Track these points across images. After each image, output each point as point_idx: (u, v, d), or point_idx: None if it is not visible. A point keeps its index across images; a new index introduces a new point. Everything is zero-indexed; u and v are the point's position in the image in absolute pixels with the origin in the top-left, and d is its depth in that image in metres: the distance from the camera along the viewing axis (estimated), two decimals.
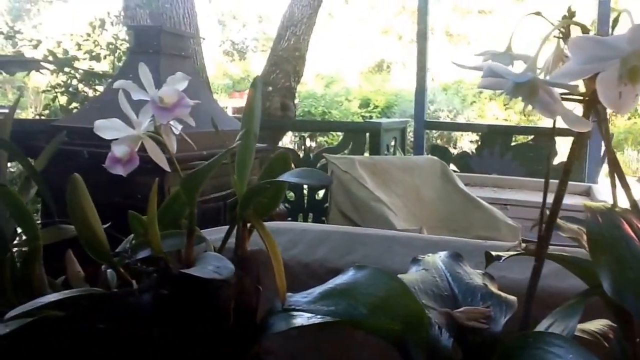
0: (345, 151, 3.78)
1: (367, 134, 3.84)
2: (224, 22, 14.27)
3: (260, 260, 0.89)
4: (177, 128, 0.88)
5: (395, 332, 0.68)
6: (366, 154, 3.81)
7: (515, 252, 0.76)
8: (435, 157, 3.56)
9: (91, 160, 1.91)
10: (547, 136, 4.38)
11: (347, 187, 3.22)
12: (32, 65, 2.70)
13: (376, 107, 11.96)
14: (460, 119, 10.83)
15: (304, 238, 1.32)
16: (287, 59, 4.57)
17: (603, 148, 4.74)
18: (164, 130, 0.84)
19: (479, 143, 4.35)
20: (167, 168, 0.84)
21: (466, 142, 9.55)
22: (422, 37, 4.23)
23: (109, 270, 0.86)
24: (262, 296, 0.87)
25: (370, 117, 11.79)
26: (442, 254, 0.90)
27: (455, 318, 0.71)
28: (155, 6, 3.71)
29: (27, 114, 10.66)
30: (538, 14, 0.76)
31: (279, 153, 0.85)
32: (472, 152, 4.47)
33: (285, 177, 0.79)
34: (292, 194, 3.75)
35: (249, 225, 0.85)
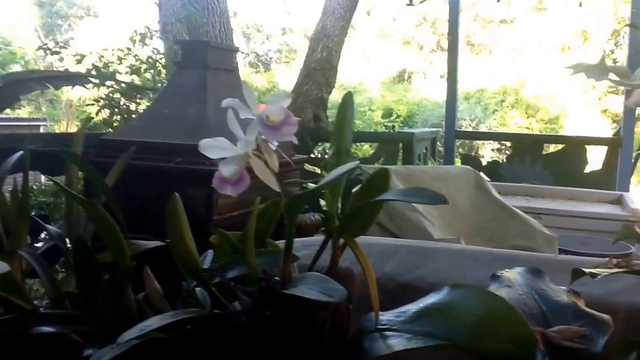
0: (379, 161, 3.80)
1: (400, 144, 3.85)
2: (249, 34, 14.41)
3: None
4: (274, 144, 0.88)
5: (506, 354, 0.64)
6: (399, 164, 3.83)
7: (608, 269, 0.73)
8: (469, 167, 3.57)
9: (140, 173, 1.95)
10: (578, 145, 4.37)
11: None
12: (78, 79, 2.76)
13: (398, 116, 11.96)
14: (482, 128, 10.78)
15: (371, 252, 1.30)
16: (320, 70, 4.61)
17: (634, 155, 4.71)
18: (265, 148, 0.84)
19: (510, 152, 4.35)
20: (276, 188, 0.84)
21: (488, 151, 9.50)
22: (453, 47, 4.25)
23: (198, 289, 0.84)
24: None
25: (393, 127, 11.77)
26: (521, 270, 0.87)
27: (550, 338, 0.68)
28: (194, 20, 3.78)
29: (60, 126, 10.82)
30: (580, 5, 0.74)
31: (378, 170, 0.84)
32: (502, 160, 4.47)
33: (393, 195, 0.78)
34: (324, 202, 3.76)
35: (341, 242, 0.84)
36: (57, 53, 2.80)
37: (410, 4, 4.36)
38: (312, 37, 4.83)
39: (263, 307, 0.78)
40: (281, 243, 1.04)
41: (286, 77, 14.16)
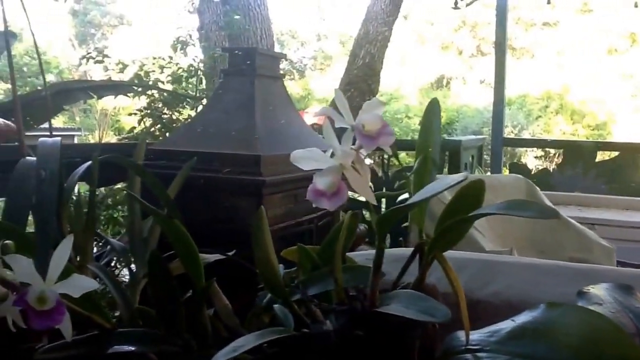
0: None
1: (447, 152, 3.74)
2: (283, 41, 14.43)
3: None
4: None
5: None
6: (445, 173, 3.72)
7: None
8: (520, 175, 3.44)
9: (188, 183, 1.89)
10: (633, 152, 4.19)
11: (430, 207, 3.13)
12: (121, 89, 2.74)
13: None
14: (525, 134, 10.55)
15: (438, 266, 1.27)
16: (362, 77, 4.53)
17: None
18: (358, 159, 0.79)
19: (561, 159, 4.19)
20: (373, 201, 0.78)
21: (531, 158, 9.29)
22: (500, 51, 4.12)
23: (276, 306, 0.81)
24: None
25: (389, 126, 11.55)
26: (608, 286, 0.82)
27: None
28: (236, 27, 3.74)
29: (94, 136, 11.00)
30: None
31: (471, 182, 0.79)
32: (552, 169, 4.32)
33: (496, 209, 0.72)
34: (367, 213, 3.68)
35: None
36: (101, 62, 2.78)
37: (456, 7, 4.25)
38: (355, 43, 4.75)
39: (355, 326, 0.74)
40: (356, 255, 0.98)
41: (321, 83, 14.14)
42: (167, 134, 3.29)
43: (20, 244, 0.79)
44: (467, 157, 3.97)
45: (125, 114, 9.92)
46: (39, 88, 2.38)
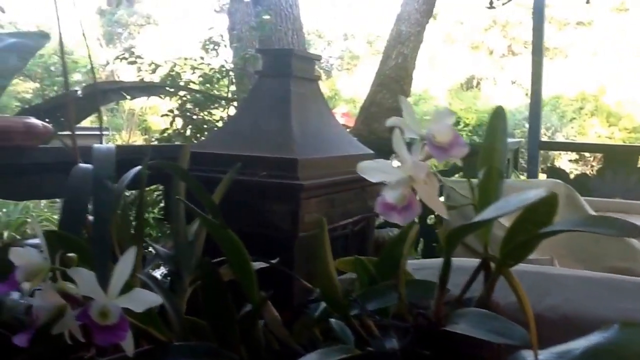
0: (458, 174, 3.60)
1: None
2: (309, 40, 14.38)
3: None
4: None
5: None
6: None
7: None
8: (559, 180, 3.32)
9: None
10: None
11: (467, 212, 3.06)
12: (154, 90, 2.72)
13: (467, 125, 11.63)
14: (559, 137, 10.34)
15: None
16: (395, 78, 4.46)
17: None
18: (426, 171, 0.73)
19: (602, 164, 4.06)
20: (444, 214, 0.73)
21: (565, 162, 9.10)
22: (537, 51, 4.00)
23: (333, 320, 0.76)
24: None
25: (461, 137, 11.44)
26: None
27: None
28: (267, 28, 3.70)
29: (121, 136, 11.08)
30: None
31: (546, 196, 0.73)
32: (591, 173, 4.19)
33: (573, 225, 0.66)
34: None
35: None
36: (134, 63, 2.76)
37: (491, 6, 4.15)
38: (387, 44, 4.68)
39: (421, 345, 0.71)
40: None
41: (348, 83, 14.07)
42: (198, 135, 3.26)
43: (77, 254, 0.75)
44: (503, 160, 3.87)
45: (152, 114, 9.96)
46: (76, 89, 2.37)
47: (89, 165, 0.87)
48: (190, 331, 0.84)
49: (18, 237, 7.02)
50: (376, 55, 14.47)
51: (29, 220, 7.46)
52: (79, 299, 0.68)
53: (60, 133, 2.03)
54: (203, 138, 3.21)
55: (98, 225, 0.73)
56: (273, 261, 1.12)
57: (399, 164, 0.70)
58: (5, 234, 6.89)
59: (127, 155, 1.51)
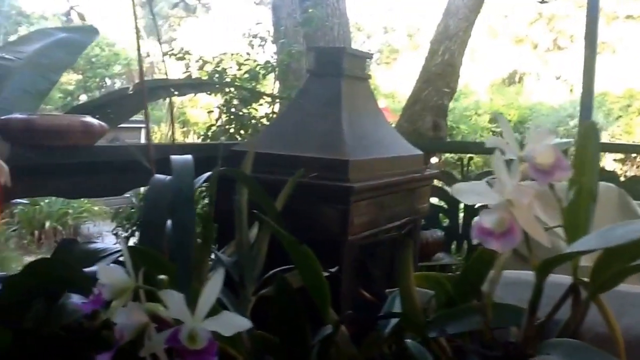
0: None
1: None
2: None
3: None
4: None
5: None
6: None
7: None
8: (611, 184, 3.20)
9: (271, 188, 1.81)
10: None
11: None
12: (203, 87, 2.72)
13: (508, 121, 11.42)
14: (605, 136, 10.03)
15: (556, 295, 1.16)
16: (441, 75, 4.38)
17: None
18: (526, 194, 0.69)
19: None
20: (546, 243, 0.69)
21: (609, 162, 8.84)
22: (590, 47, 3.86)
23: (410, 342, 0.73)
24: None
25: (502, 133, 11.20)
26: None
27: None
28: (314, 24, 3.67)
29: (161, 129, 11.19)
30: None
31: None
32: None
33: None
34: (446, 219, 3.54)
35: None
36: (182, 59, 2.77)
37: (543, 1, 4.02)
38: (433, 39, 4.59)
39: None
40: None
41: (387, 78, 13.94)
42: (242, 132, 3.26)
43: (157, 271, 0.73)
44: None
45: (191, 107, 10.01)
46: (128, 86, 2.38)
47: (165, 177, 0.85)
48: (264, 347, 0.81)
49: (59, 227, 7.17)
50: (416, 49, 14.31)
51: (70, 211, 7.58)
52: (168, 321, 0.66)
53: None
54: (248, 134, 3.20)
55: (181, 244, 0.71)
56: (332, 270, 1.09)
57: (497, 186, 0.65)
58: (47, 224, 7.05)
59: (174, 153, 1.50)
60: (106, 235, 6.82)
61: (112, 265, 0.67)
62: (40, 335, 0.99)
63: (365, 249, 2.15)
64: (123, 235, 3.39)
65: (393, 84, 13.18)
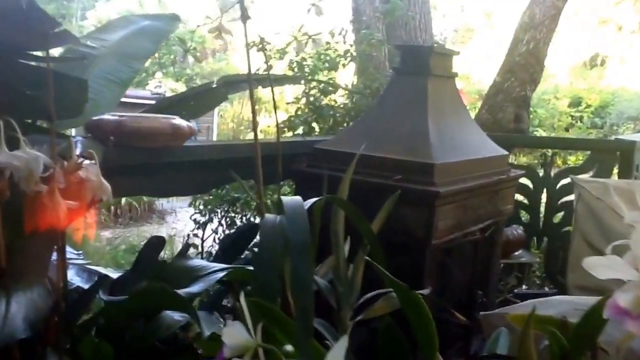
0: (591, 172, 3.36)
1: (618, 153, 3.35)
2: None
3: None
4: None
5: None
6: (614, 177, 3.35)
7: None
8: None
9: (353, 189, 1.79)
10: None
11: (600, 215, 2.87)
12: (287, 80, 2.73)
13: (588, 106, 10.93)
14: None
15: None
16: (524, 65, 4.21)
17: None
18: None
19: None
20: None
21: None
22: None
23: None
24: None
25: (581, 118, 10.79)
26: None
27: None
28: (399, 15, 3.59)
29: (225, 122, 11.34)
30: None
31: None
32: None
33: None
34: (527, 215, 3.43)
35: None
36: (264, 50, 2.77)
37: None
38: (518, 27, 4.41)
39: None
40: None
41: (462, 58, 13.58)
42: (320, 124, 3.24)
43: (274, 325, 0.73)
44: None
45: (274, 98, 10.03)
46: (213, 80, 2.41)
47: (276, 217, 0.84)
48: None
49: (134, 203, 7.41)
50: (493, 29, 13.86)
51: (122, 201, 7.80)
52: None
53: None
54: (327, 126, 3.18)
55: (300, 299, 0.70)
56: (424, 291, 1.06)
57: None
58: (123, 200, 7.30)
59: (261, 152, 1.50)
60: (179, 211, 7.02)
61: (235, 324, 0.67)
62: (139, 349, 1.02)
63: (448, 251, 2.12)
64: (201, 221, 3.47)
65: (468, 64, 12.81)
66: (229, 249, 1.85)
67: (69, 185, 0.99)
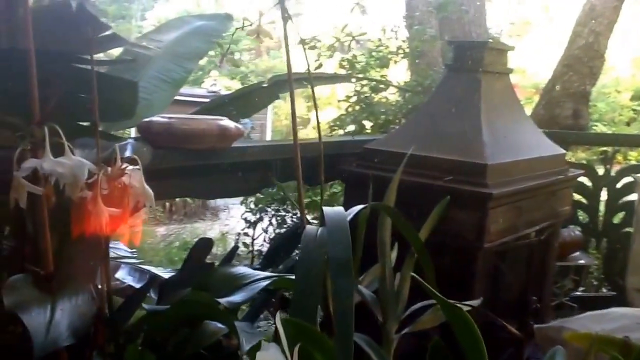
0: None
1: None
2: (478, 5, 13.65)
3: None
4: None
5: None
6: None
7: None
8: None
9: (402, 189, 1.74)
10: None
11: None
12: (338, 79, 2.72)
13: None
14: None
15: None
16: (583, 59, 4.05)
17: None
18: None
19: None
20: None
21: None
22: None
23: None
24: None
25: None
26: None
27: None
28: (452, 9, 3.51)
29: (278, 119, 11.36)
30: None
31: None
32: None
33: None
34: (585, 215, 3.30)
35: None
36: (314, 48, 2.75)
37: None
38: (577, 20, 4.23)
39: None
40: None
41: (518, 51, 13.21)
42: (370, 119, 3.20)
43: (313, 346, 0.70)
44: None
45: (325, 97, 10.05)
46: (266, 77, 2.42)
47: (317, 230, 0.81)
48: None
49: (188, 199, 7.50)
50: (551, 22, 13.44)
51: None
52: None
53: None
54: (377, 123, 3.14)
55: (340, 322, 0.67)
56: (474, 303, 1.01)
57: None
58: None
59: (307, 153, 1.48)
60: (232, 208, 7.08)
61: (271, 348, 0.64)
62: (183, 357, 1.02)
63: (500, 255, 2.05)
64: (252, 220, 3.48)
65: (524, 58, 12.46)
66: (276, 252, 1.84)
67: (112, 191, 0.99)
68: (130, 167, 1.05)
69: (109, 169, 1.03)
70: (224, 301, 1.00)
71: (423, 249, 0.94)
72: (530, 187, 2.03)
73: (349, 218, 0.93)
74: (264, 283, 1.02)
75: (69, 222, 1.00)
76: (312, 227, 0.86)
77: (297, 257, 1.81)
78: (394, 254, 1.11)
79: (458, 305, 0.77)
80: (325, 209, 0.88)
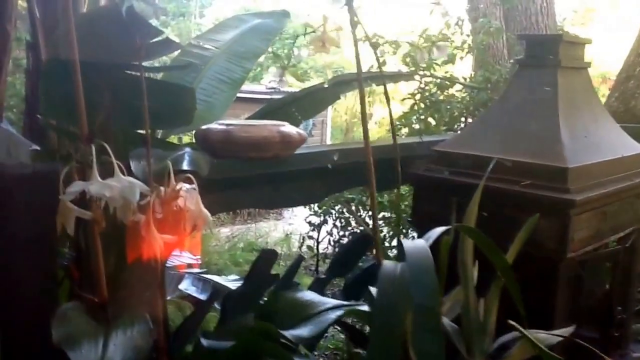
0: None
1: None
2: None
3: None
4: None
5: None
6: None
7: None
8: None
9: (469, 192, 1.62)
10: None
11: None
12: (401, 77, 2.63)
13: None
14: None
15: None
16: None
17: None
18: None
19: None
20: None
21: None
22: None
23: None
24: None
25: None
26: None
27: None
28: (518, 0, 3.35)
29: (340, 117, 11.25)
30: None
31: None
32: None
33: None
34: None
35: None
36: (377, 46, 2.65)
37: None
38: None
39: None
40: None
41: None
42: (436, 117, 3.08)
43: None
44: None
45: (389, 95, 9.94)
46: (323, 81, 2.37)
47: (396, 266, 0.74)
48: None
49: None
50: (616, 10, 12.81)
51: None
52: None
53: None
54: (443, 122, 3.02)
55: None
56: (564, 332, 0.91)
57: None
58: None
59: (376, 156, 1.40)
60: (296, 207, 7.04)
61: None
62: None
63: (583, 263, 1.91)
64: (316, 223, 3.43)
65: (590, 46, 11.90)
66: (345, 257, 1.78)
67: (166, 215, 0.93)
68: (186, 186, 0.99)
69: (162, 189, 0.97)
70: (290, 335, 0.92)
71: (509, 271, 0.85)
72: (615, 190, 1.89)
73: (428, 243, 0.85)
74: (333, 315, 0.94)
75: (124, 246, 0.95)
76: (390, 265, 0.78)
77: (364, 266, 1.74)
78: (474, 273, 1.01)
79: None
80: (406, 243, 0.79)
